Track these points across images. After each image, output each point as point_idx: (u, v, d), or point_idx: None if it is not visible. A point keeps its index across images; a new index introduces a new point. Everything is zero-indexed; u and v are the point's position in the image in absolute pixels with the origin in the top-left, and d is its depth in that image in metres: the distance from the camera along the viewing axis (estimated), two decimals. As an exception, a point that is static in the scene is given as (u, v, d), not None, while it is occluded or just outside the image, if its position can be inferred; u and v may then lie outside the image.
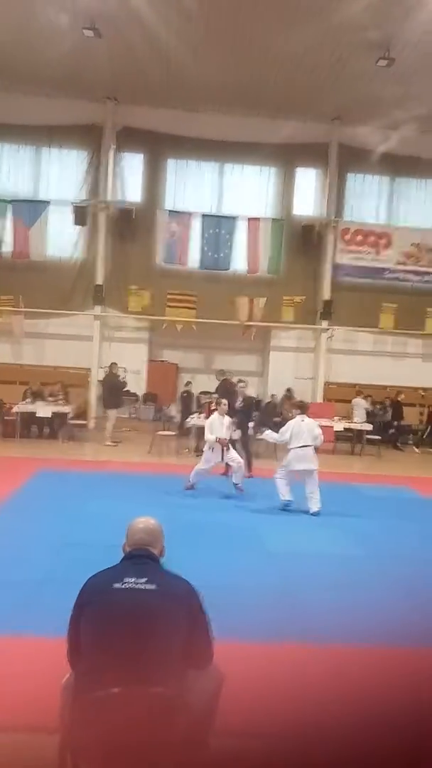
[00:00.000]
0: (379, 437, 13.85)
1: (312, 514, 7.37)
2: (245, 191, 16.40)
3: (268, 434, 8.08)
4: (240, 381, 10.89)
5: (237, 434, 9.16)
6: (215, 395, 12.78)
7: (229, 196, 16.45)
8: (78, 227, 15.65)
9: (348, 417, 14.15)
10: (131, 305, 15.51)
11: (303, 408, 8.02)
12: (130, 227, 15.79)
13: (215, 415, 8.52)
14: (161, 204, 16.24)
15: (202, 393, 15.21)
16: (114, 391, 12.77)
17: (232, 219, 15.95)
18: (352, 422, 13.75)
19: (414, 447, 15.17)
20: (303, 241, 16.10)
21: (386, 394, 15.65)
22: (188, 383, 14.62)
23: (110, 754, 1.94)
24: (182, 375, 16.27)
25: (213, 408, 11.85)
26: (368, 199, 16.68)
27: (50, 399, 13.35)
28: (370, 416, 14.39)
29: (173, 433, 12.38)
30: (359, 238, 16.14)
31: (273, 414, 15.08)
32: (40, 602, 4.31)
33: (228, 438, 8.39)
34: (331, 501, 7.98)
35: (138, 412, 16.10)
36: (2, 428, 12.85)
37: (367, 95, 14.26)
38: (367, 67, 12.85)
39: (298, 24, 11.44)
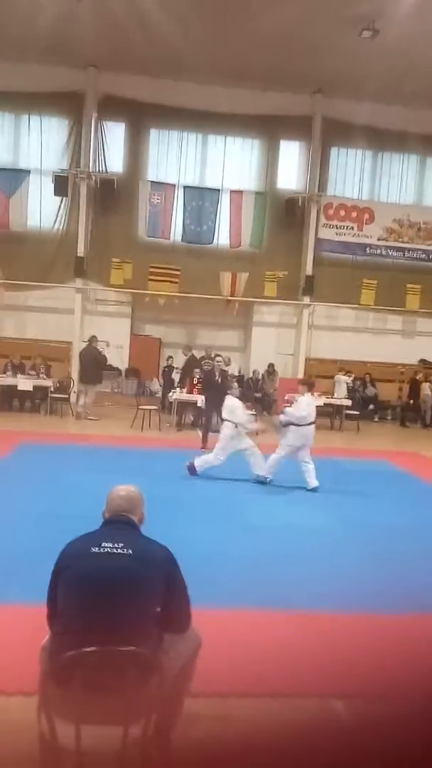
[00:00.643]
0: (358, 412, 14.06)
1: (312, 490, 7.45)
2: (228, 163, 16.21)
3: (289, 413, 7.59)
4: (217, 356, 10.90)
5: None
6: (196, 371, 12.84)
7: (212, 168, 16.25)
8: (59, 198, 15.38)
9: (328, 392, 14.30)
10: (113, 278, 15.35)
11: (311, 386, 8.03)
12: (112, 198, 15.55)
13: (236, 401, 7.88)
14: (143, 175, 16.00)
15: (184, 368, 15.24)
16: (94, 365, 12.67)
17: (215, 191, 15.79)
18: (332, 398, 13.92)
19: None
20: (286, 215, 16.02)
21: (366, 369, 15.82)
22: (170, 358, 14.61)
23: (84, 713, 2.01)
24: (165, 350, 16.24)
25: (195, 383, 11.98)
26: (351, 173, 16.60)
27: (31, 372, 13.28)
28: (350, 392, 14.58)
29: (155, 407, 12.42)
30: (342, 213, 16.10)
31: (255, 389, 15.21)
32: (22, 572, 4.37)
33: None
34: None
35: (121, 386, 16.08)
36: (-17, 402, 12.78)
37: (351, 68, 14.08)
38: (351, 39, 12.65)
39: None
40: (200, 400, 11.46)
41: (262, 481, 7.63)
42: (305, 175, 16.39)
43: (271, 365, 15.87)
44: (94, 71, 15.24)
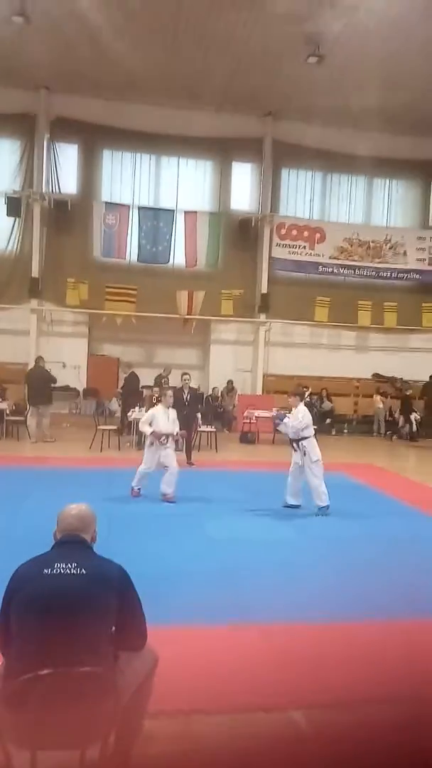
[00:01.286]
0: (316, 427, 14.23)
1: (294, 506, 7.42)
2: (182, 184, 16.44)
3: (288, 423, 7.39)
4: (185, 374, 10.96)
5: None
6: (156, 389, 12.83)
7: (166, 189, 16.45)
8: (12, 219, 15.25)
9: (286, 408, 14.45)
10: (69, 299, 15.27)
11: (303, 395, 7.93)
12: (66, 219, 15.52)
13: (159, 407, 7.69)
14: (97, 196, 16.05)
15: (144, 387, 15.18)
16: (44, 385, 12.44)
17: (169, 212, 15.96)
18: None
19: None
20: (240, 235, 16.32)
21: (322, 384, 16.12)
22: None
23: (40, 738, 1.99)
24: (124, 369, 16.16)
25: (155, 401, 11.95)
26: (302, 194, 17.07)
27: (-14, 395, 13.00)
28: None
29: (114, 427, 12.32)
30: (294, 232, 16.50)
31: (215, 406, 15.29)
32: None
33: (174, 433, 7.60)
34: (271, 489, 8.21)
35: (79, 407, 15.90)
36: None
37: (300, 92, 14.58)
38: (299, 64, 13.11)
39: (231, 14, 11.57)
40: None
41: (169, 498, 7.44)
42: (258, 195, 16.75)
43: (230, 382, 16.01)
44: (45, 93, 15.29)
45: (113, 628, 2.33)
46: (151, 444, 7.55)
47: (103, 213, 15.54)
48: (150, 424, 7.57)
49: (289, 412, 7.70)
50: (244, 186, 16.83)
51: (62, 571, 2.27)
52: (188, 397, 10.29)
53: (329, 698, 3.26)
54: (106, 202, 15.76)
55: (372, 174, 17.18)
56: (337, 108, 15.14)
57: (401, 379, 16.98)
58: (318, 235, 16.58)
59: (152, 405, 11.87)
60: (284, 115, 15.93)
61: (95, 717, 2.10)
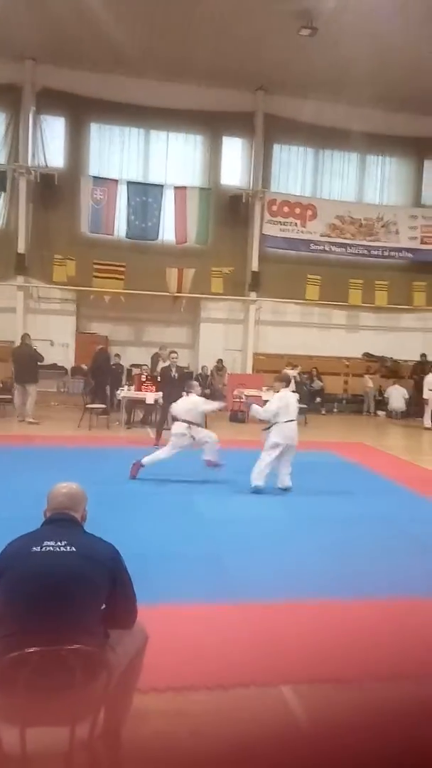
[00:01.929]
0: (306, 406, 14.26)
1: (284, 489, 7.30)
2: (172, 159, 16.16)
3: (255, 409, 7.49)
4: (172, 352, 10.88)
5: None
6: (145, 366, 12.76)
7: (155, 164, 16.17)
8: (-3, 193, 14.96)
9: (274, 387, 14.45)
10: (56, 275, 15.05)
11: (288, 381, 7.89)
12: (53, 194, 15.23)
13: (194, 399, 7.64)
14: (85, 170, 15.74)
15: (132, 365, 15.09)
16: (31, 363, 12.26)
17: (159, 187, 15.69)
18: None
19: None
20: (231, 211, 16.11)
21: (312, 363, 16.12)
22: (117, 355, 14.45)
23: (31, 715, 1.96)
24: (112, 347, 16.03)
25: (143, 380, 11.89)
26: (294, 170, 16.85)
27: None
28: (298, 385, 14.79)
29: (104, 406, 12.24)
30: (285, 209, 16.32)
31: (204, 385, 15.21)
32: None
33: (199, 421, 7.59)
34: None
35: (67, 386, 15.77)
36: None
37: (292, 66, 14.30)
38: (292, 37, 12.82)
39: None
40: (150, 397, 11.40)
41: (215, 465, 7.57)
42: (249, 171, 16.51)
43: (219, 361, 15.94)
44: (32, 64, 14.87)
45: (103, 606, 2.30)
46: (182, 434, 7.46)
47: (90, 188, 15.25)
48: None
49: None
50: (235, 161, 16.57)
51: (51, 549, 2.23)
52: (176, 375, 10.23)
53: (319, 675, 3.27)
54: (94, 177, 15.46)
55: (365, 151, 16.98)
56: (331, 83, 14.87)
57: (391, 358, 17.02)
58: (309, 213, 16.41)
59: (140, 384, 11.91)
60: (276, 89, 15.63)
61: (86, 694, 2.07)
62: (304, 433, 12.46)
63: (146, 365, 12.88)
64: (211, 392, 15.20)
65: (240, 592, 4.27)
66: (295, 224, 16.35)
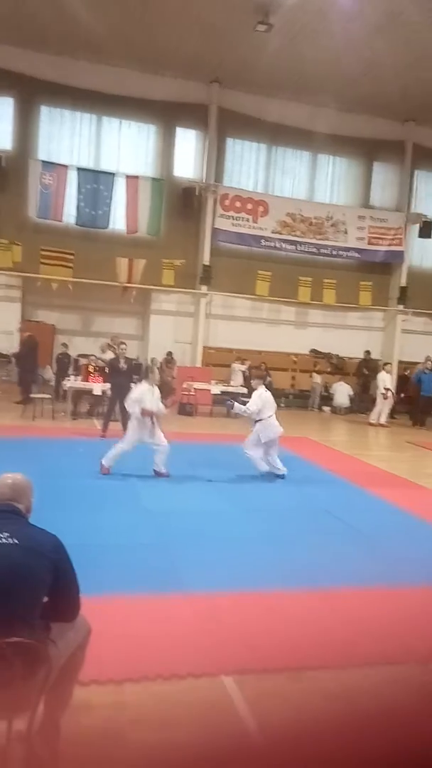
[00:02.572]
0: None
1: (280, 477, 7.75)
2: (125, 147, 15.92)
3: (238, 407, 7.65)
4: (122, 343, 10.76)
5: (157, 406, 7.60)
6: (92, 357, 12.58)
7: (107, 151, 15.88)
8: None
9: (225, 381, 14.56)
10: (1, 260, 14.57)
11: (264, 379, 8.15)
12: (0, 176, 14.72)
13: (145, 384, 7.39)
14: (34, 154, 15.29)
15: (80, 355, 14.83)
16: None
17: (110, 175, 15.43)
18: (228, 386, 14.19)
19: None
20: (183, 203, 16.03)
21: (261, 358, 16.28)
22: (64, 344, 14.18)
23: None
24: (59, 336, 15.71)
25: (90, 371, 11.72)
26: (247, 165, 16.92)
27: None
28: (246, 380, 14.93)
29: (49, 396, 11.99)
30: (238, 204, 16.38)
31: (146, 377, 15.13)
32: None
33: (157, 411, 7.31)
34: (207, 461, 8.25)
35: (10, 374, 15.33)
36: None
37: (247, 60, 14.33)
38: (247, 32, 12.85)
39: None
40: (97, 387, 11.25)
41: (163, 475, 7.44)
42: (202, 164, 16.46)
43: (169, 353, 15.86)
44: (-22, 39, 14.28)
45: (45, 599, 2.27)
46: (137, 423, 7.23)
47: (39, 172, 14.83)
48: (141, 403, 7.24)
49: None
50: (188, 153, 16.47)
51: (-7, 541, 2.18)
52: (124, 367, 10.14)
53: (262, 665, 3.33)
54: (43, 161, 15.04)
55: (316, 150, 17.21)
56: (285, 80, 15.01)
57: (337, 355, 17.40)
58: (261, 208, 16.53)
59: (87, 374, 11.74)
60: (231, 83, 15.63)
61: (26, 687, 2.04)
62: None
63: (94, 355, 12.69)
64: (161, 384, 15.15)
65: (184, 583, 4.29)
66: (247, 219, 16.43)
